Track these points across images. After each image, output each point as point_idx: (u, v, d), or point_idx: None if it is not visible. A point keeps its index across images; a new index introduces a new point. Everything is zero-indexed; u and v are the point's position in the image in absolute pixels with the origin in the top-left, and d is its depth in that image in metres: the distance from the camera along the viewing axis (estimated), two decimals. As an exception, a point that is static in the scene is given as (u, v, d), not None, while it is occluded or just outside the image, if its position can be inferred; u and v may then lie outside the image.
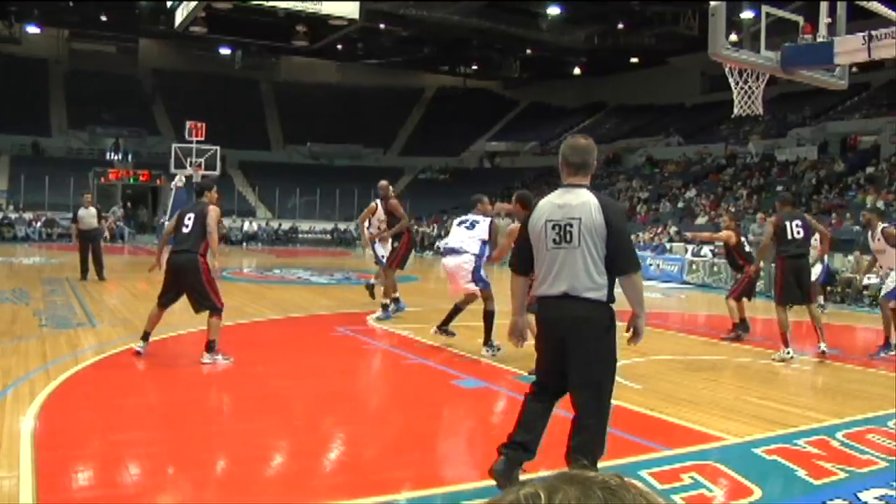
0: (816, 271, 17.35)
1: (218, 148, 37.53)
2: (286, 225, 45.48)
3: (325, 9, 37.71)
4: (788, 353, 10.21)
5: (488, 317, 9.97)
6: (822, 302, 17.98)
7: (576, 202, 4.69)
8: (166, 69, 54.96)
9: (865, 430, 6.85)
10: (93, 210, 18.14)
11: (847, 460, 5.95)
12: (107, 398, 7.29)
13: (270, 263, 24.52)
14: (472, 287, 9.96)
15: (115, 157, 48.21)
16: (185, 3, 38.40)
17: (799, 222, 10.51)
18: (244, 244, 41.77)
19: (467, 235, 10.06)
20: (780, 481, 5.52)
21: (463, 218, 10.47)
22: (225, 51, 54.44)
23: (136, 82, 54.62)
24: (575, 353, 4.69)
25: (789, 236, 10.42)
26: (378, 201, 13.60)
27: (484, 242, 9.94)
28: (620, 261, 4.71)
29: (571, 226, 4.65)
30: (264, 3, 36.82)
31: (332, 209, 46.16)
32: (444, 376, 8.83)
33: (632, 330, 4.92)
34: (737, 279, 13.35)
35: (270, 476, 5.53)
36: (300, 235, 44.99)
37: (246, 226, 44.03)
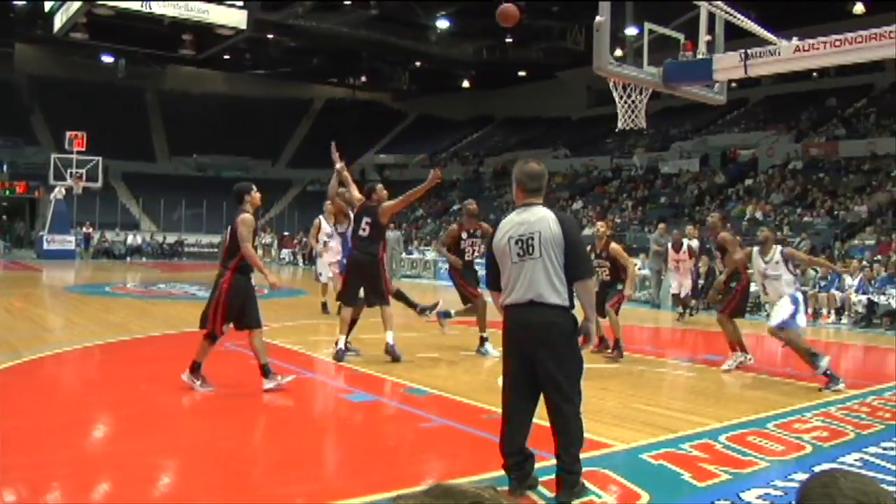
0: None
1: (100, 159, 36.58)
2: (171, 238, 44.36)
3: (212, 18, 37.12)
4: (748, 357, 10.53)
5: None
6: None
7: (534, 218, 5.17)
8: (45, 76, 53.05)
9: (746, 432, 7.09)
10: None
11: (730, 462, 6.13)
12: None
13: (155, 278, 23.92)
14: None
15: (-11, 168, 46.34)
16: (64, 7, 37.29)
17: None
18: (128, 258, 40.64)
19: None
20: (666, 485, 5.63)
21: None
22: (108, 58, 52.80)
23: (12, 89, 52.46)
24: (545, 356, 5.09)
25: None
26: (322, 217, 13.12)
27: None
28: (576, 268, 5.18)
29: (532, 239, 5.11)
30: (148, 10, 35.90)
31: (219, 222, 45.17)
32: (333, 390, 8.75)
33: (582, 334, 5.33)
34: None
35: (156, 498, 5.38)
36: (186, 249, 43.95)
37: (130, 239, 42.83)
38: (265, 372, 8.17)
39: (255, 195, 8.57)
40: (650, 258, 21.14)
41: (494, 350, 10.50)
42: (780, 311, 9.86)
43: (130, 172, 49.36)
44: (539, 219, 5.15)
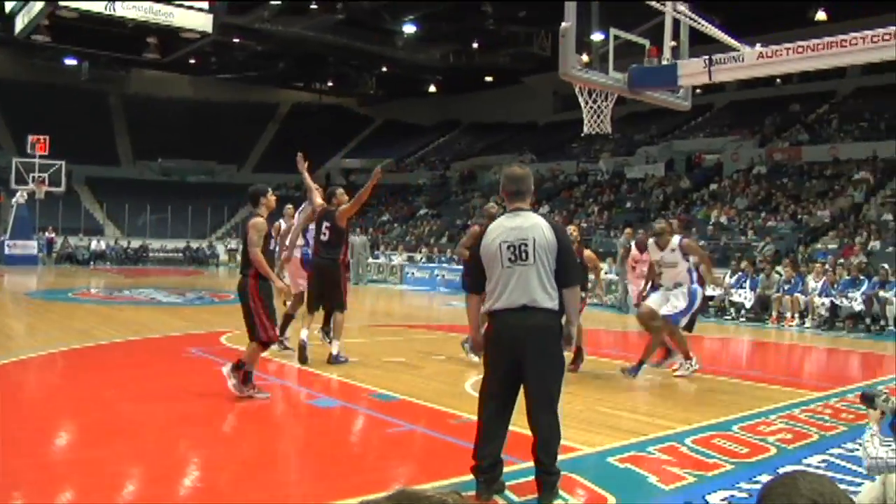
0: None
1: (63, 163, 36.20)
2: (136, 243, 43.94)
3: (177, 21, 36.81)
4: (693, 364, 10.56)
5: None
6: None
7: (527, 224, 5.24)
8: (6, 79, 52.13)
9: (712, 435, 7.14)
10: None
11: (695, 465, 6.18)
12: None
13: (120, 284, 23.68)
14: None
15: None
16: (25, 9, 36.85)
17: None
18: (91, 263, 40.21)
19: None
20: (632, 488, 5.66)
21: None
22: (71, 61, 52.16)
23: (-28, 92, 51.85)
24: (535, 359, 5.18)
25: None
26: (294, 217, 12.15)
27: None
28: (567, 274, 5.30)
29: (526, 245, 5.17)
30: (112, 13, 35.52)
31: (184, 227, 45.02)
32: (299, 396, 8.71)
33: (565, 337, 5.40)
34: None
35: (119, 505, 5.31)
36: (151, 254, 43.56)
37: (93, 244, 42.39)
38: (246, 377, 8.06)
39: (271, 198, 8.39)
40: (617, 262, 21.20)
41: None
42: (676, 304, 10.21)
43: (94, 177, 48.85)
44: (532, 225, 5.23)
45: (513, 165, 5.68)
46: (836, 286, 18.57)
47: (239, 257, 8.25)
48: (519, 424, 7.35)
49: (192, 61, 50.60)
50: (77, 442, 6.97)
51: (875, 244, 22.93)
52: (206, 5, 36.91)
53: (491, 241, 5.28)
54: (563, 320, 5.35)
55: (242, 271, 8.08)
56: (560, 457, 5.99)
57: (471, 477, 5.31)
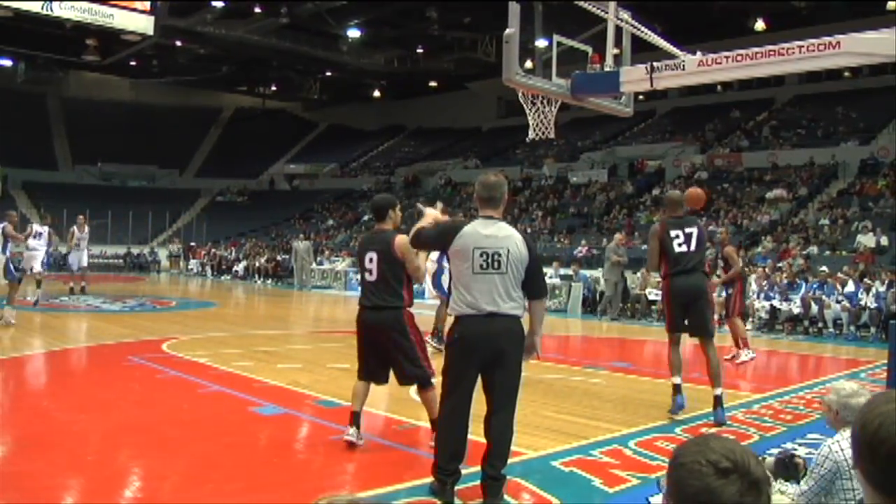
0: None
1: (-2, 167, 35.47)
2: (75, 249, 43.15)
3: (117, 23, 36.23)
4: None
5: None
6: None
7: (501, 234, 5.36)
8: (-63, 80, 51.25)
9: (655, 437, 7.23)
10: None
11: (639, 467, 6.25)
12: None
13: (57, 290, 23.23)
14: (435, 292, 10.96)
15: None
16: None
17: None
18: (28, 270, 39.37)
19: None
20: (577, 492, 5.70)
21: None
22: (5, 62, 51.08)
23: None
24: (501, 363, 5.32)
25: None
26: None
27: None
28: (537, 286, 5.57)
29: (500, 255, 5.29)
30: (49, 13, 34.82)
31: (125, 232, 44.28)
32: (242, 403, 8.60)
33: (528, 346, 5.55)
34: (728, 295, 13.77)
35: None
36: (91, 261, 42.71)
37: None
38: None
39: (399, 213, 6.94)
40: (606, 269, 20.99)
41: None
42: None
43: (31, 181, 47.80)
44: (507, 236, 5.35)
45: (488, 174, 5.78)
46: (774, 289, 18.89)
47: (370, 285, 6.67)
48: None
49: (133, 64, 49.93)
50: (10, 454, 6.79)
51: (812, 248, 23.39)
52: (146, 6, 36.42)
53: (464, 245, 5.33)
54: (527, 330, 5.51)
55: (387, 303, 6.62)
56: (505, 462, 6.02)
57: (416, 482, 5.30)
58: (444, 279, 10.71)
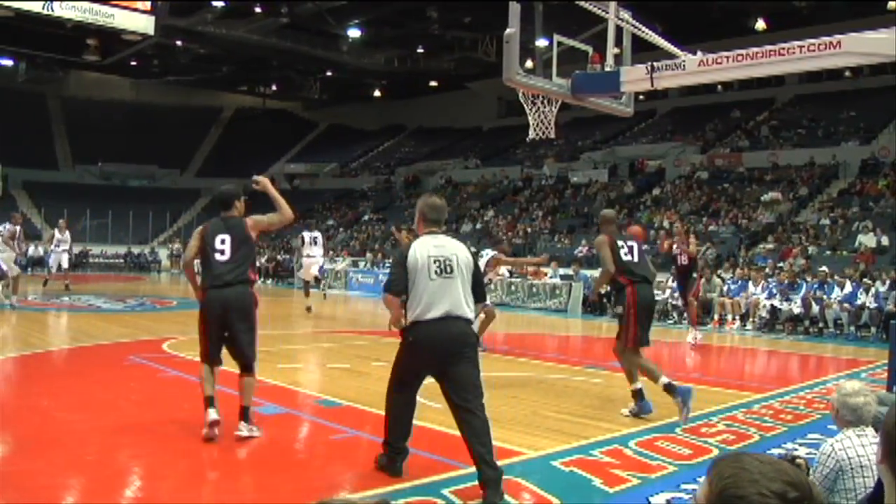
0: None
1: (-2, 166, 35.44)
2: (76, 249, 42.96)
3: (118, 23, 36.19)
4: None
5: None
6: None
7: (449, 245, 5.95)
8: (-62, 79, 51.17)
9: (655, 437, 7.23)
10: None
11: (639, 467, 6.24)
12: None
13: (58, 290, 23.22)
14: None
15: None
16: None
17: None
18: (29, 269, 39.39)
19: None
20: (577, 491, 5.70)
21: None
22: (6, 62, 51.02)
23: None
24: (462, 364, 5.74)
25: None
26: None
27: None
28: (481, 291, 6.16)
29: (451, 261, 5.81)
30: (50, 12, 34.77)
31: (125, 232, 44.27)
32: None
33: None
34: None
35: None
36: (91, 260, 42.74)
37: (31, 250, 41.44)
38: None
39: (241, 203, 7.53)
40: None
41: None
42: None
43: (32, 181, 47.78)
44: (454, 245, 5.97)
45: (432, 195, 6.45)
46: (775, 289, 18.90)
47: (222, 265, 7.06)
48: (453, 426, 7.37)
49: (134, 63, 49.89)
50: (11, 453, 6.79)
51: (813, 248, 23.39)
52: (147, 6, 36.38)
53: (418, 255, 5.79)
54: None
55: (240, 279, 7.11)
56: (505, 461, 6.05)
57: (416, 482, 5.31)
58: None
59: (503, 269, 11.42)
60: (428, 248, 5.84)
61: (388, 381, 6.09)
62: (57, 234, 23.73)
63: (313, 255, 19.95)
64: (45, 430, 7.20)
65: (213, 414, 6.91)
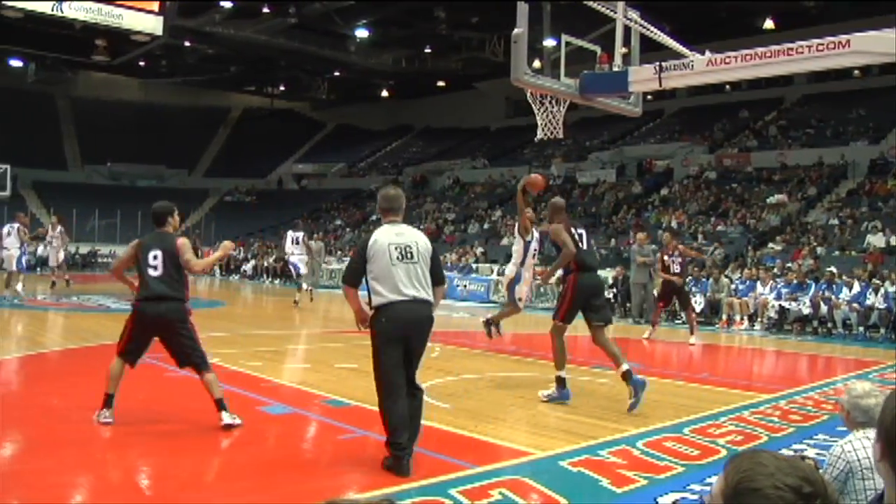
0: None
1: (8, 167, 35.52)
2: (84, 249, 43.03)
3: (126, 23, 36.24)
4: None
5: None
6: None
7: (408, 233, 6.41)
8: (-51, 81, 51.30)
9: (663, 437, 7.21)
10: None
11: (647, 468, 6.23)
12: None
13: (67, 290, 23.28)
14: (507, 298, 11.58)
15: None
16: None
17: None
18: (38, 269, 39.46)
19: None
20: (585, 492, 5.69)
21: None
22: (16, 62, 51.14)
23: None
24: (419, 342, 6.26)
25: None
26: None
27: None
28: (440, 275, 6.56)
29: (411, 248, 6.25)
30: (59, 13, 34.81)
31: (134, 232, 44.12)
32: (250, 402, 8.62)
33: None
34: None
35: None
36: (100, 260, 42.73)
37: (40, 250, 41.46)
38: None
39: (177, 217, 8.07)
40: (634, 272, 20.12)
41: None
42: None
43: (41, 181, 47.89)
44: (413, 233, 6.45)
45: (388, 187, 6.93)
46: (783, 289, 18.86)
47: (154, 280, 7.36)
48: (468, 429, 7.37)
49: (142, 64, 49.97)
50: (20, 451, 6.82)
51: (821, 249, 23.33)
52: (155, 7, 36.42)
53: (379, 244, 6.24)
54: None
55: (170, 295, 7.37)
56: (513, 461, 6.06)
57: (424, 482, 5.31)
58: (518, 289, 10.98)
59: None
60: (389, 236, 6.29)
61: (374, 382, 6.32)
62: (51, 231, 24.35)
63: (296, 254, 21.91)
64: (55, 429, 7.22)
65: (106, 416, 7.23)
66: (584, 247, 9.28)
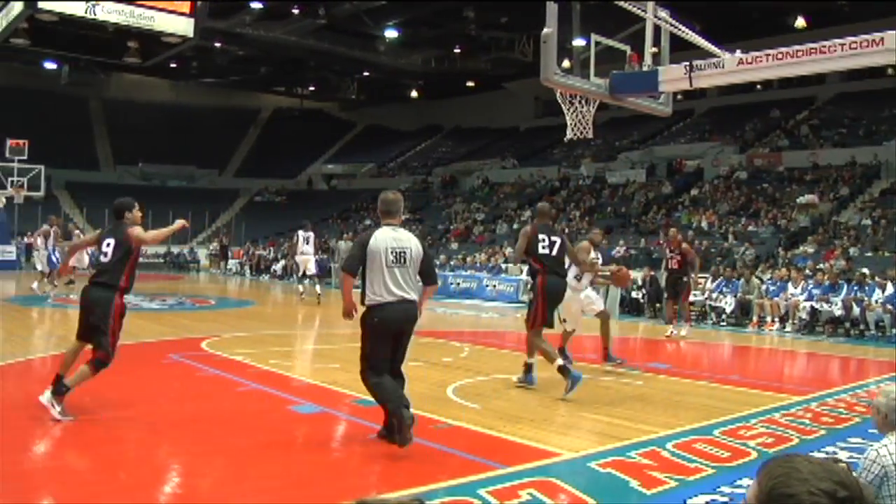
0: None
1: (42, 167, 35.86)
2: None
3: (158, 25, 36.48)
4: None
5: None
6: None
7: (405, 237, 6.96)
8: (-15, 83, 51.93)
9: (693, 439, 7.16)
10: None
11: (677, 469, 6.19)
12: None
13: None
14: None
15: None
16: (3, 12, 36.45)
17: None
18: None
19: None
20: (614, 493, 5.67)
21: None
22: (50, 65, 51.57)
23: (-51, 96, 51.23)
24: (406, 338, 6.99)
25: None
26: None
27: None
28: (433, 276, 7.32)
29: (405, 253, 6.84)
30: (92, 16, 35.11)
31: (164, 232, 44.61)
32: (280, 402, 8.67)
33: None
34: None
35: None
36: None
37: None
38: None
39: (137, 213, 8.57)
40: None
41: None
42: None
43: (74, 181, 48.44)
44: (409, 238, 6.98)
45: (387, 192, 7.31)
46: (815, 290, 18.69)
47: (102, 265, 7.95)
48: (496, 429, 7.37)
49: (173, 65, 50.23)
50: (53, 450, 6.90)
51: (854, 249, 23.10)
52: (186, 9, 36.63)
53: (378, 245, 6.77)
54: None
55: (107, 282, 7.78)
56: (542, 462, 6.06)
57: (452, 482, 5.31)
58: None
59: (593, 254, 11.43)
60: (387, 239, 6.82)
61: (360, 371, 6.98)
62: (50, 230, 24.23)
63: (306, 254, 22.70)
64: (86, 427, 7.29)
65: (46, 397, 7.44)
66: (552, 253, 9.82)
